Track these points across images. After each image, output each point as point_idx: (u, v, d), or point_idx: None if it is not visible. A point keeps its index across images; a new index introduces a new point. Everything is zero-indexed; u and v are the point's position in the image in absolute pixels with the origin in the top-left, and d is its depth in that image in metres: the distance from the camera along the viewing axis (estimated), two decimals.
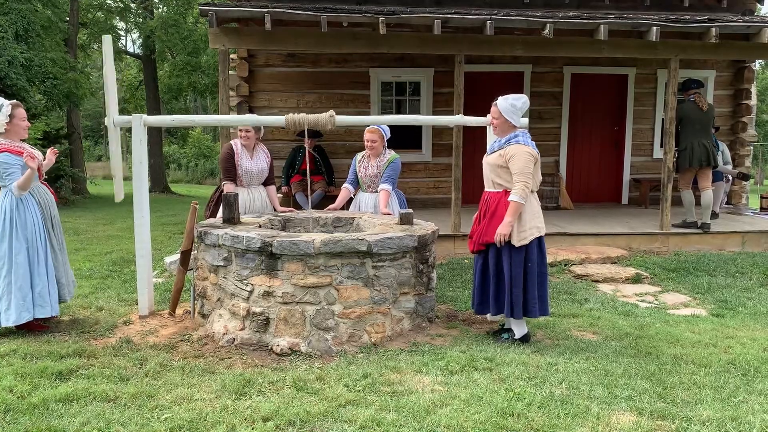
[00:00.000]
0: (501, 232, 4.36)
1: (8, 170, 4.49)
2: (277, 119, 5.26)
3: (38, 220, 4.62)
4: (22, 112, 4.65)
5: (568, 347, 4.43)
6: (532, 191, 4.46)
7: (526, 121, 4.84)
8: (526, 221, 4.40)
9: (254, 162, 5.71)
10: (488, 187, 4.60)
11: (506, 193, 4.44)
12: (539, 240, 4.48)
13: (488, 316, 4.64)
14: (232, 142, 5.76)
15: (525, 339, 4.55)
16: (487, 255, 4.55)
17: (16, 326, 4.64)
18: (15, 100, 4.74)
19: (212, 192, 6.39)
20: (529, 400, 3.41)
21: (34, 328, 4.69)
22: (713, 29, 7.42)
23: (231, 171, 5.65)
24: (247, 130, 5.64)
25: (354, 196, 6.02)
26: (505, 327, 4.75)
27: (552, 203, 10.09)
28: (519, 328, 4.58)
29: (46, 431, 3.06)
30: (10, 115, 4.55)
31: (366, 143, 5.70)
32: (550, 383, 3.68)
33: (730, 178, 10.03)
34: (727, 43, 7.89)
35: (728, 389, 3.68)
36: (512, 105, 4.52)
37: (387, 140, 5.79)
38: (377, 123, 5.69)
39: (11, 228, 4.51)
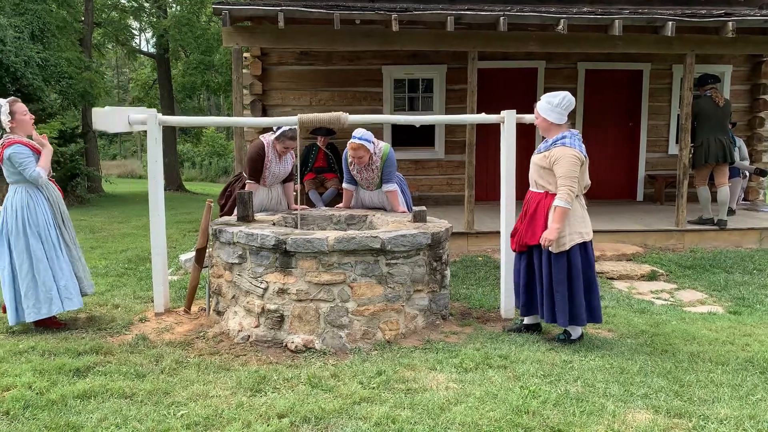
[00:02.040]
0: (548, 237, 4.23)
1: (24, 161, 4.49)
2: (291, 120, 5.22)
3: (49, 217, 4.66)
4: (21, 106, 4.64)
5: (583, 345, 4.41)
6: (577, 195, 4.33)
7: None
8: (566, 227, 4.27)
9: (282, 165, 5.63)
10: (531, 187, 4.51)
11: (547, 194, 4.35)
12: (584, 245, 4.35)
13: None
14: (264, 141, 5.54)
15: (580, 338, 4.50)
16: (531, 256, 4.47)
17: (34, 324, 4.70)
18: (12, 97, 4.74)
19: (233, 181, 6.21)
20: (544, 397, 3.39)
21: (51, 325, 4.74)
22: (730, 23, 7.33)
23: (258, 172, 5.53)
24: (292, 138, 5.43)
25: (356, 193, 5.98)
26: (524, 323, 4.72)
27: None
28: (575, 331, 4.49)
29: (65, 427, 3.10)
30: (10, 113, 4.56)
31: (353, 159, 5.48)
32: (565, 381, 3.67)
33: (747, 174, 9.93)
34: (744, 37, 7.80)
35: (746, 387, 3.65)
36: (548, 102, 4.40)
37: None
38: (394, 122, 5.60)
39: (24, 225, 4.55)
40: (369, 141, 5.39)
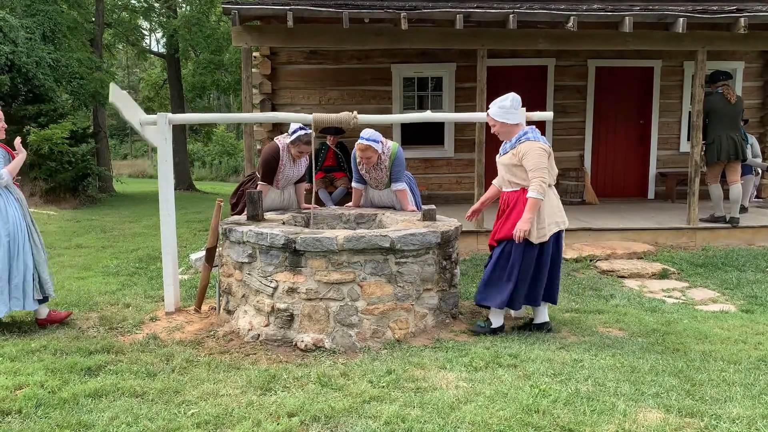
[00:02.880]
0: (521, 228, 4.36)
1: None
2: (304, 117, 5.21)
3: (19, 215, 4.66)
4: None
5: (593, 343, 4.39)
6: (549, 185, 4.46)
7: (523, 111, 4.85)
8: (544, 218, 4.42)
9: (296, 167, 5.59)
10: (505, 188, 4.63)
11: (524, 190, 4.45)
12: (557, 234, 4.52)
13: (512, 312, 4.65)
14: (279, 144, 5.48)
15: (501, 329, 4.65)
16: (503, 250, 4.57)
17: (38, 323, 4.78)
18: None
19: (245, 181, 6.19)
20: (554, 396, 3.38)
21: (53, 321, 4.81)
22: (742, 19, 7.27)
23: (271, 175, 5.49)
24: (308, 143, 5.35)
25: (365, 192, 5.98)
26: (535, 322, 4.74)
27: (577, 198, 9.99)
28: (496, 318, 4.65)
29: (76, 425, 3.12)
30: None
31: (361, 160, 5.48)
32: (575, 380, 3.65)
33: (760, 171, 9.84)
34: (756, 33, 7.73)
35: (759, 387, 3.61)
36: (500, 107, 4.54)
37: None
38: (404, 120, 5.60)
39: None
40: (377, 141, 5.38)
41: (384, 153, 5.48)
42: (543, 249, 4.47)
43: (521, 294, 4.52)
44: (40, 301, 4.77)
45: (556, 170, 4.61)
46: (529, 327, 4.72)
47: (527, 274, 4.47)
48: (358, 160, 5.58)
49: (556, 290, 4.71)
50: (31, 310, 4.81)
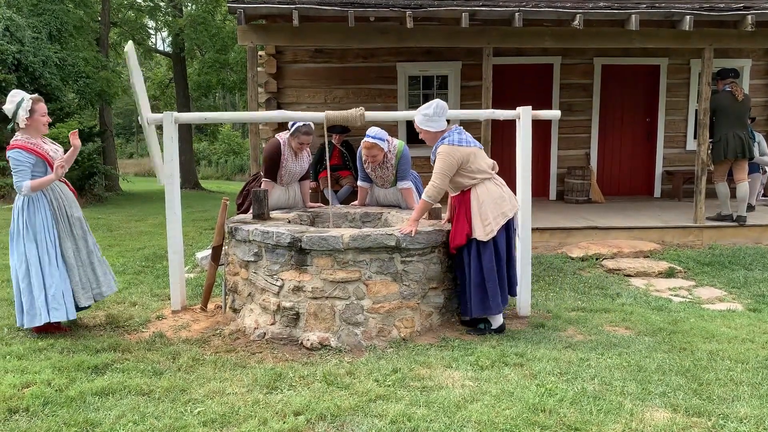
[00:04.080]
0: (402, 230, 4.41)
1: (18, 168, 4.34)
2: (314, 115, 5.20)
3: (48, 221, 4.46)
4: (43, 107, 4.50)
5: (600, 342, 4.37)
6: (489, 179, 4.50)
7: (453, 113, 4.90)
8: (488, 213, 4.42)
9: (298, 162, 5.62)
10: (450, 192, 4.69)
11: (463, 193, 4.53)
12: (506, 224, 4.49)
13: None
14: (279, 140, 5.53)
15: (501, 329, 4.61)
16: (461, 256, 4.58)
17: (34, 330, 4.54)
18: (36, 94, 4.59)
19: (250, 180, 6.24)
20: (560, 395, 3.37)
21: (51, 330, 4.59)
22: (749, 17, 7.23)
23: (274, 171, 5.52)
24: (307, 133, 5.40)
25: (370, 190, 5.98)
26: (493, 327, 4.69)
27: (583, 196, 9.96)
28: (495, 319, 4.61)
29: (83, 424, 3.13)
30: (30, 110, 4.40)
31: (367, 158, 5.49)
32: (582, 379, 3.64)
33: (767, 169, 9.79)
34: (763, 30, 7.68)
35: (766, 386, 3.59)
36: (424, 115, 4.57)
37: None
38: (411, 118, 5.59)
39: (24, 229, 4.42)
40: (383, 140, 5.39)
41: (390, 151, 5.49)
42: (497, 245, 4.45)
43: (495, 294, 4.45)
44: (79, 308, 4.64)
45: (489, 162, 4.62)
46: (483, 330, 4.58)
47: (491, 273, 4.43)
48: (363, 159, 5.58)
49: (514, 282, 4.67)
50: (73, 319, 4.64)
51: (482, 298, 4.44)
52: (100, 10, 20.69)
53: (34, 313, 4.40)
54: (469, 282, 4.48)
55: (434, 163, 4.55)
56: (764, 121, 10.46)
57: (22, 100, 4.41)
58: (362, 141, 5.43)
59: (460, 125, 4.74)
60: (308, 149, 5.73)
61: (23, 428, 3.10)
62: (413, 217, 4.53)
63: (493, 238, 4.42)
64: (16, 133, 4.50)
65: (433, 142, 4.65)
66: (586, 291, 5.93)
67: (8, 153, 4.39)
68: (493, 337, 4.47)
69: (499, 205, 4.46)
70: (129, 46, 5.14)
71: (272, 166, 5.51)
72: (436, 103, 4.58)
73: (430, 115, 4.55)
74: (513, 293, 4.73)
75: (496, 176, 4.63)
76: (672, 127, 10.55)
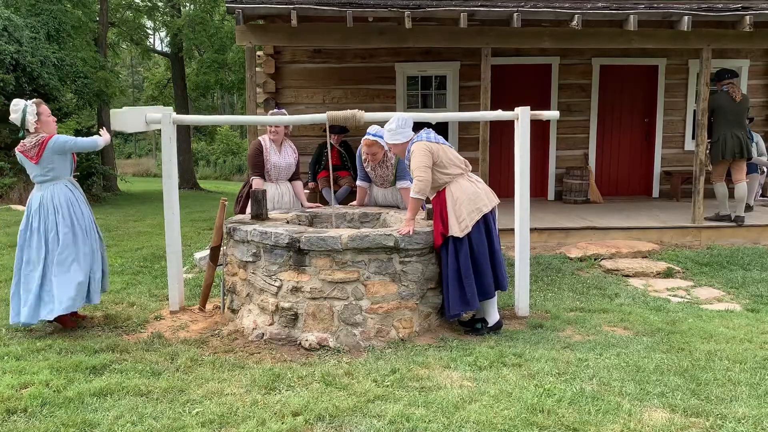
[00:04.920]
0: (402, 232, 4.44)
1: (71, 138, 4.71)
2: (314, 117, 5.20)
3: (88, 212, 4.79)
4: (46, 108, 4.74)
5: (598, 343, 4.38)
6: (461, 175, 4.55)
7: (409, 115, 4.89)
8: (462, 209, 4.46)
9: (282, 157, 5.83)
10: (430, 195, 4.70)
11: (439, 193, 4.57)
12: (483, 218, 4.51)
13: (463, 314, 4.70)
14: (260, 138, 5.88)
15: (498, 326, 4.64)
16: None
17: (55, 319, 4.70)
18: (36, 98, 4.82)
19: (241, 187, 6.48)
20: (559, 396, 3.37)
21: (67, 323, 4.75)
22: (747, 17, 7.24)
23: (259, 166, 5.77)
24: (276, 125, 5.73)
25: (369, 190, 5.99)
26: (476, 317, 4.73)
27: (581, 197, 9.96)
28: (491, 316, 4.62)
29: (81, 424, 3.12)
30: (37, 113, 4.62)
31: (367, 156, 5.52)
32: (580, 379, 3.64)
33: (765, 170, 9.79)
34: (762, 31, 7.69)
35: (764, 386, 3.60)
36: (389, 131, 4.70)
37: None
38: (409, 119, 5.60)
39: (70, 217, 4.64)
40: (383, 138, 5.38)
41: (390, 150, 5.48)
42: (472, 240, 4.46)
43: (472, 290, 4.46)
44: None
45: (460, 158, 4.66)
46: (481, 330, 4.61)
47: (468, 270, 4.44)
48: (363, 157, 5.60)
49: (502, 276, 4.65)
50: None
51: (461, 295, 4.45)
52: (98, 10, 20.67)
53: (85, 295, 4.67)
54: (446, 279, 4.50)
55: (409, 164, 4.62)
56: (762, 122, 10.47)
57: (26, 106, 4.59)
58: (363, 139, 5.44)
59: (430, 129, 4.77)
60: (291, 143, 5.92)
61: (21, 429, 3.09)
62: (408, 217, 4.56)
63: (468, 235, 4.45)
64: (32, 135, 4.64)
65: (403, 154, 4.76)
66: (584, 291, 5.93)
67: (51, 141, 4.59)
68: (491, 338, 4.47)
69: (473, 201, 4.50)
70: (112, 115, 5.30)
71: (257, 162, 5.77)
72: (398, 116, 4.71)
73: (394, 129, 4.67)
74: (503, 287, 4.70)
75: (471, 173, 4.68)
76: (670, 128, 10.56)
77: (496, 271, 4.60)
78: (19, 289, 4.58)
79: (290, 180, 5.99)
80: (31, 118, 4.59)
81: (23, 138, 4.66)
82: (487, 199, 4.57)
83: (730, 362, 3.99)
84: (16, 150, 4.66)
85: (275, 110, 5.93)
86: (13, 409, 3.29)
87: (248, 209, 5.60)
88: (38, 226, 4.58)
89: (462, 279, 4.45)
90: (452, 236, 4.45)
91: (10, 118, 4.68)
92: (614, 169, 10.69)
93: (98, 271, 4.78)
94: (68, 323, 4.76)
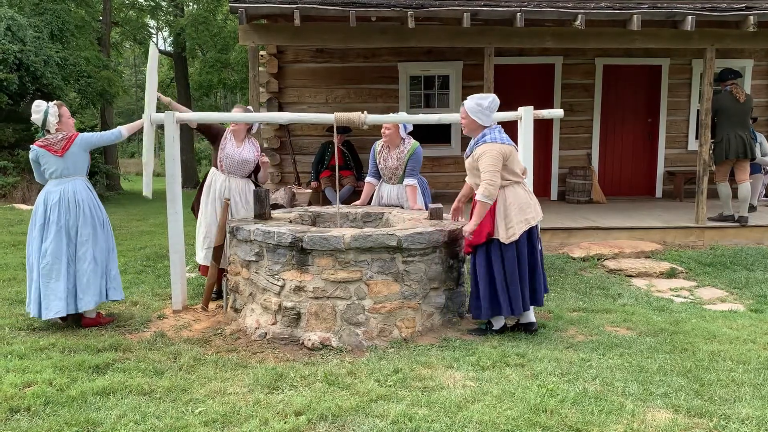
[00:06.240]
0: (466, 230, 4.41)
1: (97, 133, 5.03)
2: (320, 117, 5.19)
3: (104, 210, 4.94)
4: (66, 110, 4.86)
5: (601, 343, 4.37)
6: (517, 182, 4.45)
7: (498, 116, 4.77)
8: (512, 217, 4.36)
9: (238, 150, 5.44)
10: (475, 190, 4.52)
11: None
12: (529, 230, 4.43)
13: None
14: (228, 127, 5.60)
15: (504, 329, 4.60)
16: (484, 256, 4.47)
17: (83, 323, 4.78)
18: (57, 100, 4.93)
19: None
20: (562, 396, 3.37)
21: (102, 321, 4.86)
22: (751, 17, 7.22)
23: (215, 151, 5.53)
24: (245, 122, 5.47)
25: (377, 187, 6.00)
26: (520, 322, 4.66)
27: (584, 197, 9.96)
28: (497, 322, 4.58)
29: (84, 423, 3.13)
30: (59, 115, 4.73)
31: (384, 138, 5.66)
32: (583, 379, 3.64)
33: None
34: (765, 31, 7.67)
35: None
36: (478, 104, 4.46)
37: (414, 134, 5.76)
38: (412, 122, 5.62)
39: (91, 214, 4.77)
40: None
41: (405, 139, 5.65)
42: (518, 249, 4.39)
43: (517, 295, 4.39)
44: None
45: (523, 167, 4.56)
46: (485, 330, 4.59)
47: (513, 276, 4.37)
48: (379, 145, 5.69)
49: (540, 291, 4.55)
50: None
51: (501, 300, 4.37)
52: (101, 9, 20.70)
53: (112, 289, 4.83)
54: (487, 283, 4.41)
55: (469, 161, 4.50)
56: (766, 122, 10.44)
57: (48, 108, 4.70)
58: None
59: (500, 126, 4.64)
60: (255, 143, 5.64)
61: (24, 428, 3.10)
62: (474, 221, 4.36)
63: (516, 242, 4.36)
64: (53, 135, 4.75)
65: (471, 132, 4.54)
66: (587, 291, 5.93)
67: (77, 138, 4.76)
68: (494, 338, 4.47)
69: (524, 210, 4.39)
70: (152, 48, 5.41)
71: (214, 135, 5.58)
72: (493, 97, 4.48)
73: (483, 107, 4.43)
74: (539, 302, 4.59)
75: (525, 182, 4.58)
76: (673, 128, 10.54)
77: (536, 284, 4.50)
78: (39, 282, 4.60)
79: (256, 183, 5.62)
80: (53, 120, 4.69)
81: (39, 138, 4.77)
82: (535, 211, 4.47)
83: (734, 363, 3.98)
84: (35, 145, 4.71)
85: (239, 107, 5.64)
86: (17, 407, 3.30)
87: (202, 200, 5.58)
88: (58, 219, 4.62)
89: (508, 285, 4.38)
90: (497, 240, 4.36)
91: (31, 118, 4.78)
92: (617, 169, 10.68)
93: (114, 269, 4.88)
94: (103, 320, 4.86)
